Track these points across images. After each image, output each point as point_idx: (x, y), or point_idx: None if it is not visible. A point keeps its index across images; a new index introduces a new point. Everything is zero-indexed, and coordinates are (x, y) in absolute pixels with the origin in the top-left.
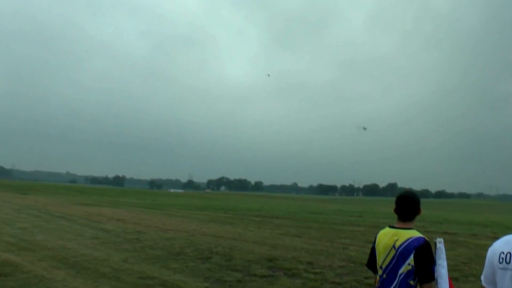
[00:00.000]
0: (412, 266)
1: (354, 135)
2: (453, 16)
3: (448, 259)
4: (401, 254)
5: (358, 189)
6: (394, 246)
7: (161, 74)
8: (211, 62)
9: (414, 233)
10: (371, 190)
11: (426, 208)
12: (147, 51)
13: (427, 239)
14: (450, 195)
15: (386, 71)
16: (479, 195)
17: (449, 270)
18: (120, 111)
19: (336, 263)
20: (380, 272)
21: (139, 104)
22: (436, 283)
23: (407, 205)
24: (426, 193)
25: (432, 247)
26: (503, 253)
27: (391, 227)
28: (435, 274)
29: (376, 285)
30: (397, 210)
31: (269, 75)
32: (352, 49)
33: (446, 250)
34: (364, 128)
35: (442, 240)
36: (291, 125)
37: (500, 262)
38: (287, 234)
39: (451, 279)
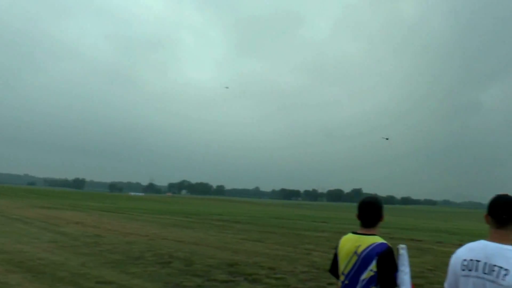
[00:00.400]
0: (375, 272)
1: (319, 140)
2: (421, 25)
3: (413, 266)
4: (363, 260)
5: (322, 194)
6: (356, 252)
7: (125, 77)
8: (176, 65)
9: (377, 239)
10: (335, 196)
11: (391, 214)
12: (112, 54)
13: (390, 245)
14: (416, 202)
15: (353, 77)
16: (445, 202)
17: (414, 277)
18: (81, 114)
19: (299, 268)
20: (342, 278)
21: (101, 106)
22: None
23: (370, 211)
24: (391, 200)
25: (395, 253)
26: (466, 260)
27: (354, 233)
28: (398, 281)
29: None
30: (359, 216)
31: (227, 88)
32: (320, 55)
33: (412, 257)
34: (387, 138)
35: (405, 246)
36: (254, 129)
37: (462, 270)
38: (249, 239)
39: (416, 286)
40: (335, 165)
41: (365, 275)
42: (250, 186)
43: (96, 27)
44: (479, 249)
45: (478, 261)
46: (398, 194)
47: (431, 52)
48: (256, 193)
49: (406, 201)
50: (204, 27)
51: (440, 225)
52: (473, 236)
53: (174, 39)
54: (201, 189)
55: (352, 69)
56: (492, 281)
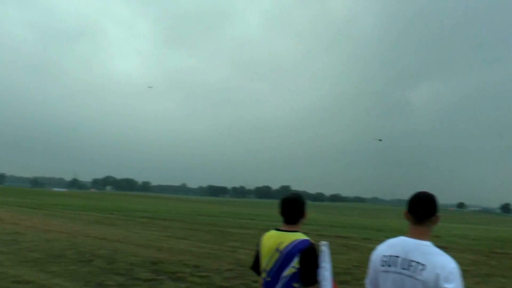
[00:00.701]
0: (297, 269)
1: (248, 137)
2: (351, 22)
3: (340, 262)
4: (286, 257)
5: (249, 191)
6: (278, 249)
7: (47, 69)
8: (101, 56)
9: (300, 236)
10: (264, 192)
11: (320, 212)
12: (33, 44)
13: (312, 242)
14: (345, 199)
15: (284, 74)
16: (374, 200)
17: (341, 274)
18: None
19: (224, 266)
20: (264, 275)
21: (22, 99)
22: (320, 286)
23: (291, 208)
24: (320, 197)
25: (318, 250)
26: (386, 256)
27: (277, 230)
28: (319, 277)
29: None
30: (282, 213)
31: (151, 87)
32: (249, 50)
33: (338, 253)
34: (380, 140)
35: (327, 243)
36: (182, 124)
37: (382, 265)
38: (173, 236)
39: (342, 282)
40: (263, 162)
41: (287, 271)
42: (177, 182)
43: (16, 14)
44: (398, 245)
45: (397, 257)
46: (328, 192)
47: (363, 51)
48: (183, 189)
49: (335, 198)
50: (131, 19)
51: (368, 222)
52: (400, 233)
53: (100, 30)
54: (127, 185)
55: (283, 66)
56: (410, 276)
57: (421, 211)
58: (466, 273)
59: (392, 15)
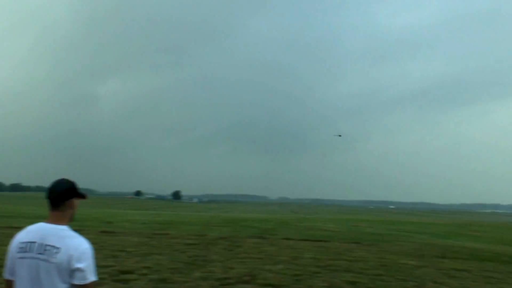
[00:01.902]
0: None
1: None
2: (43, 7)
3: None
4: None
5: None
6: None
7: None
8: None
9: None
10: None
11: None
12: None
13: None
14: (27, 188)
15: None
16: None
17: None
18: None
19: None
20: None
21: None
22: None
23: None
24: (0, 186)
25: None
26: (23, 242)
27: None
28: None
29: None
30: None
31: None
32: None
33: (5, 245)
34: (339, 135)
35: None
36: None
37: (19, 252)
38: None
39: None
40: None
41: None
42: None
43: None
44: (36, 231)
45: (33, 242)
46: (8, 181)
47: (52, 39)
48: None
49: (15, 187)
50: None
51: (44, 211)
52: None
53: None
54: None
55: None
56: (45, 260)
57: (53, 197)
58: (128, 254)
59: (85, 9)
